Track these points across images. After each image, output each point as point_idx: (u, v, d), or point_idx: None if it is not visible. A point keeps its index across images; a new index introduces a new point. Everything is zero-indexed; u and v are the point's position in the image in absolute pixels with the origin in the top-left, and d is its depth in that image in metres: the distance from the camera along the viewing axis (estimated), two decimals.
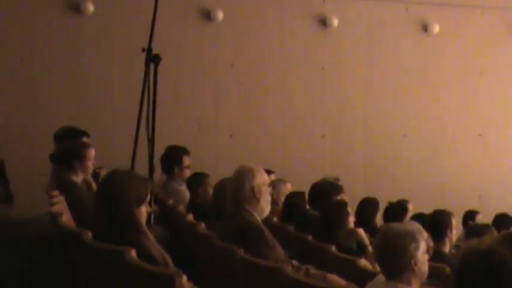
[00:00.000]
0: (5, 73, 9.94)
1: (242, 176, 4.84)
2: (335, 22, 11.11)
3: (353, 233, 6.03)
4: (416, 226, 4.23)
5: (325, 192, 6.70)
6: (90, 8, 10.17)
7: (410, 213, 8.10)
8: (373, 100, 11.36)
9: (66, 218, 4.65)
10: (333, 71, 11.22)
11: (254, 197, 4.81)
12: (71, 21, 10.19)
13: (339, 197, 6.67)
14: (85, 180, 6.56)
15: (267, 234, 4.78)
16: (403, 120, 11.43)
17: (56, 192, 5.62)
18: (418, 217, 7.48)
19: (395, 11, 11.44)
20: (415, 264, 4.05)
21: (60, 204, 5.08)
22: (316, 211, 6.51)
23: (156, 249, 3.79)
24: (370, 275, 4.45)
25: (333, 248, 5.40)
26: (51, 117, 9.72)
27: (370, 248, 5.81)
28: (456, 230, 6.93)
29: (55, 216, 4.45)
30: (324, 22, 11.14)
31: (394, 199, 8.53)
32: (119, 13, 10.33)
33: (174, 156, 7.54)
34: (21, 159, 9.69)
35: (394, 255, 4.04)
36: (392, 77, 11.45)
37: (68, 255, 4.38)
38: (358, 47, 11.34)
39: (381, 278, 4.17)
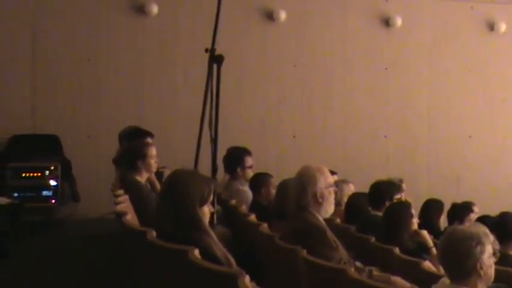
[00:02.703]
0: (72, 74, 10.13)
1: (305, 181, 4.81)
2: (399, 21, 11.01)
3: (417, 234, 5.96)
4: (482, 229, 4.15)
5: (385, 192, 6.63)
6: (154, 9, 10.28)
7: (475, 215, 7.96)
8: (438, 100, 11.22)
9: (131, 217, 4.69)
10: (397, 71, 11.12)
11: (317, 201, 4.79)
12: (136, 22, 10.32)
13: (399, 197, 6.61)
14: (149, 180, 6.62)
15: (330, 235, 4.75)
16: (468, 120, 11.25)
17: (121, 192, 5.68)
18: (484, 219, 7.34)
19: (460, 10, 11.27)
20: (481, 268, 3.97)
21: (124, 204, 5.14)
22: (378, 211, 6.46)
23: (219, 249, 3.80)
24: (434, 278, 4.39)
25: (397, 250, 5.34)
26: (116, 117, 9.86)
27: (434, 250, 5.73)
28: None
29: (120, 216, 4.49)
30: (387, 21, 11.05)
31: (458, 201, 8.40)
32: (183, 14, 10.42)
33: (236, 156, 7.55)
34: (87, 160, 9.86)
35: (459, 259, 3.97)
36: (457, 77, 11.29)
37: (132, 254, 4.42)
38: (422, 46, 11.21)
39: (445, 281, 4.10)
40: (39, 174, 9.26)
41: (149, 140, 7.18)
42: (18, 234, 7.91)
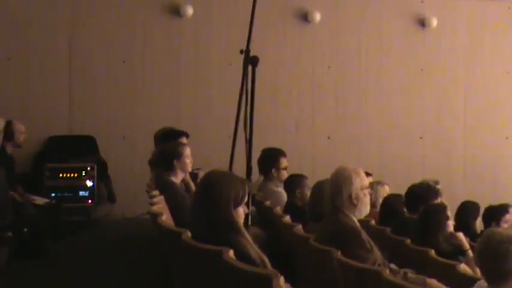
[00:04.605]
0: (109, 76, 10.21)
1: (340, 182, 4.79)
2: (434, 22, 10.94)
3: (453, 236, 5.91)
4: None
5: (422, 195, 6.59)
6: (190, 10, 10.33)
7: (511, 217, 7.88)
8: (474, 101, 11.12)
9: (166, 218, 4.72)
10: (432, 71, 11.05)
11: (352, 203, 4.77)
12: (171, 24, 10.38)
13: (437, 201, 6.55)
14: (184, 181, 6.65)
15: (365, 236, 4.73)
16: (505, 121, 11.14)
17: (156, 192, 5.72)
18: None
19: (497, 10, 11.17)
20: None
21: (160, 204, 5.17)
22: (414, 214, 6.42)
23: (254, 250, 3.81)
24: (470, 281, 4.36)
25: (432, 252, 5.30)
26: (151, 118, 9.92)
27: (470, 253, 5.69)
28: None
29: (155, 216, 4.52)
30: (422, 22, 10.98)
31: (495, 203, 8.32)
32: (218, 15, 10.45)
33: (271, 157, 7.56)
34: (123, 161, 9.92)
35: (496, 262, 3.94)
36: (494, 77, 11.18)
37: (167, 254, 4.44)
38: (458, 47, 11.13)
39: (482, 284, 4.07)
40: (75, 174, 9.36)
41: (184, 139, 7.21)
42: (55, 234, 8.00)
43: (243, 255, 3.63)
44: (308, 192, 6.62)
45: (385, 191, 7.61)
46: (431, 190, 6.75)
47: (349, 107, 10.84)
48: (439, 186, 7.32)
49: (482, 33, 11.15)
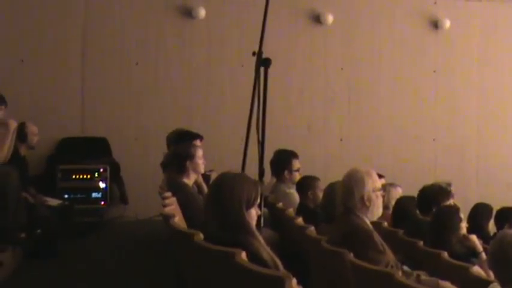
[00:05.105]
0: (121, 77, 10.24)
1: (352, 183, 4.78)
2: (447, 23, 10.91)
3: (465, 239, 5.89)
4: None
5: (434, 197, 6.58)
6: (202, 12, 10.34)
7: None
8: (487, 103, 11.09)
9: (178, 220, 4.72)
10: (445, 73, 11.02)
11: (364, 205, 4.76)
12: (183, 25, 10.40)
13: (448, 202, 6.54)
14: (196, 182, 6.65)
15: (377, 238, 4.72)
16: None
17: (169, 194, 5.73)
18: None
19: (510, 11, 11.13)
20: None
21: (172, 206, 5.17)
22: (426, 216, 6.41)
23: (266, 251, 3.80)
24: (483, 283, 4.35)
25: (445, 254, 5.29)
26: (163, 120, 9.94)
27: (483, 255, 5.67)
28: None
29: (167, 217, 4.52)
30: (435, 24, 10.96)
31: (508, 205, 8.28)
32: (230, 17, 10.46)
33: (283, 159, 7.56)
34: (135, 162, 9.94)
35: (509, 264, 3.93)
36: (507, 79, 11.15)
37: (179, 256, 4.45)
38: (470, 48, 11.10)
39: (495, 286, 4.06)
40: (88, 176, 9.39)
41: (198, 142, 7.20)
42: (67, 235, 8.03)
43: (255, 256, 3.62)
44: (320, 194, 6.62)
45: (398, 192, 7.60)
46: (444, 191, 6.74)
47: (361, 108, 10.82)
48: (451, 188, 7.31)
49: (495, 34, 11.11)
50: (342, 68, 10.77)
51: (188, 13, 10.37)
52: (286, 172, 7.52)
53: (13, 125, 7.00)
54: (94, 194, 9.36)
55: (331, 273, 4.69)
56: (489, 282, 4.22)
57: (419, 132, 10.92)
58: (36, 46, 10.05)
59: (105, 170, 9.44)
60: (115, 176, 9.64)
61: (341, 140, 10.72)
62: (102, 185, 9.40)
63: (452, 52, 11.05)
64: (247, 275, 3.33)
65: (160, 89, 10.34)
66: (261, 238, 3.88)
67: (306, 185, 7.06)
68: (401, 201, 7.04)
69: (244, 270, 3.34)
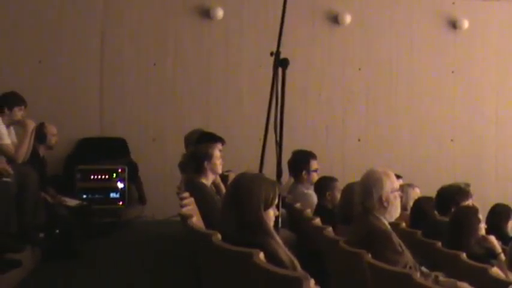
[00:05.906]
0: (139, 78, 10.28)
1: (370, 184, 4.77)
2: (465, 24, 10.87)
3: (484, 240, 5.86)
4: None
5: (452, 197, 6.54)
6: (220, 13, 10.36)
7: None
8: (506, 103, 11.03)
9: (196, 220, 4.73)
10: (463, 73, 10.98)
11: (382, 205, 4.75)
12: (201, 26, 10.42)
13: (467, 203, 6.50)
14: (214, 183, 6.66)
15: (395, 239, 4.71)
16: None
17: (187, 194, 5.74)
18: None
19: None
20: None
21: (190, 206, 5.19)
22: (444, 217, 6.38)
23: (284, 252, 3.80)
24: (502, 284, 4.32)
25: (464, 255, 5.26)
26: (181, 120, 9.97)
27: (502, 256, 5.64)
28: None
29: (185, 218, 4.53)
30: (454, 24, 10.91)
31: None
32: (248, 18, 10.47)
33: (301, 160, 7.55)
34: (153, 163, 9.97)
35: None
36: None
37: (197, 256, 4.45)
38: (489, 48, 11.05)
39: None
40: (107, 176, 9.43)
41: (220, 146, 7.18)
42: (86, 235, 8.06)
43: (273, 257, 3.63)
44: (338, 195, 6.60)
45: (416, 193, 7.56)
46: (462, 192, 6.70)
47: (379, 109, 10.80)
48: (469, 188, 7.27)
49: None
50: (359, 69, 10.75)
51: (206, 14, 10.39)
52: (304, 172, 7.51)
53: (31, 125, 7.04)
54: (112, 194, 9.40)
55: (349, 274, 4.69)
56: (508, 284, 4.20)
57: (438, 132, 10.89)
58: (54, 47, 10.10)
59: (123, 171, 9.48)
60: (133, 176, 9.67)
61: (359, 140, 10.70)
62: (120, 185, 9.44)
63: (471, 52, 11.00)
64: (264, 275, 3.34)
65: (178, 90, 10.37)
66: (278, 238, 3.88)
67: (323, 185, 7.05)
68: (420, 201, 7.01)
69: (262, 271, 3.34)
